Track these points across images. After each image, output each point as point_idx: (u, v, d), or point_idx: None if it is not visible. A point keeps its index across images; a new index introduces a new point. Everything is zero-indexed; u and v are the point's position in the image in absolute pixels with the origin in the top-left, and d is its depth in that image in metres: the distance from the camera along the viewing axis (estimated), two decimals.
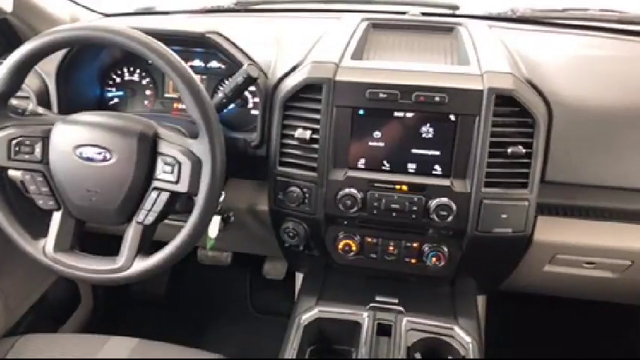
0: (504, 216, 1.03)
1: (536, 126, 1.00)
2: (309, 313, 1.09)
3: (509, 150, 1.00)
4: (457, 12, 1.45)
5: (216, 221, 1.13)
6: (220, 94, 1.06)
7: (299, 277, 1.41)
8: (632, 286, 1.22)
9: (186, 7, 1.53)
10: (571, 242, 1.12)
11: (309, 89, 1.05)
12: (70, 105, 1.21)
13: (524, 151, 1.00)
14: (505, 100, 1.00)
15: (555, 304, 1.73)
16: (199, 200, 0.91)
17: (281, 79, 1.11)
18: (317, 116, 1.05)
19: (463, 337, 1.04)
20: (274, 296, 1.91)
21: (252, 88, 1.15)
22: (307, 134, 1.04)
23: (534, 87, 1.06)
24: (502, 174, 1.02)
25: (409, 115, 1.03)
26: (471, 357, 1.01)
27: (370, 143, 1.05)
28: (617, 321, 1.72)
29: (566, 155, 1.05)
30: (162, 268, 0.95)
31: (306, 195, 1.08)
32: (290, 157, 1.08)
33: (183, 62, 0.90)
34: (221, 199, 1.07)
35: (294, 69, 1.11)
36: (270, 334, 1.35)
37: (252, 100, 1.23)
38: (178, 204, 1.00)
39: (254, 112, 1.23)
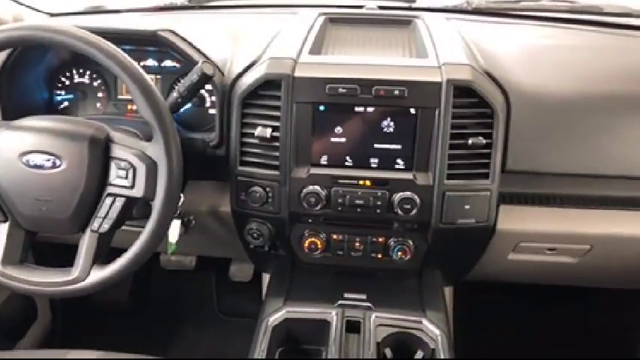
0: (467, 207, 1.04)
1: (495, 116, 1.01)
2: (277, 315, 1.07)
3: (469, 141, 1.00)
4: (414, 5, 1.45)
5: (176, 226, 1.10)
6: (175, 94, 1.02)
7: (266, 278, 1.38)
8: (591, 269, 1.25)
9: (138, 5, 1.48)
10: (533, 230, 1.14)
11: (268, 86, 1.03)
12: (15, 110, 1.14)
13: (484, 141, 1.00)
14: (464, 92, 1.00)
15: (520, 291, 1.77)
16: (156, 205, 0.88)
17: (238, 77, 1.08)
18: (277, 113, 1.02)
19: (432, 329, 1.04)
20: (242, 298, 1.87)
21: (208, 86, 1.12)
22: (267, 132, 1.02)
23: (492, 77, 1.06)
24: (463, 165, 1.02)
25: (370, 109, 1.02)
26: (440, 349, 1.01)
27: (332, 139, 1.04)
28: (578, 304, 1.77)
29: (525, 144, 1.06)
30: (121, 277, 0.91)
31: (269, 194, 1.06)
32: (251, 156, 1.06)
33: (133, 62, 0.86)
34: (180, 202, 1.04)
35: (251, 66, 1.09)
36: (238, 337, 1.32)
37: (209, 99, 1.20)
38: (135, 210, 0.96)
39: (212, 111, 1.20)
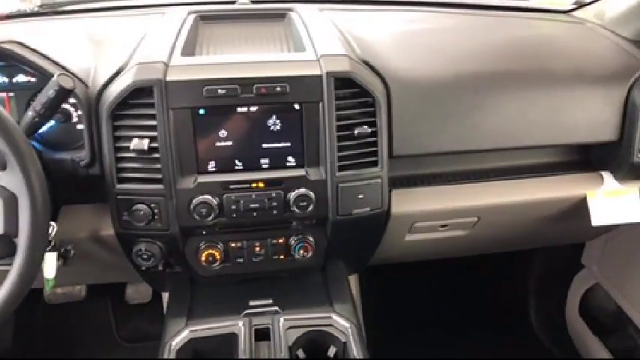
0: (361, 196, 1.05)
1: (377, 104, 1.02)
2: (180, 336, 1.00)
3: (355, 131, 1.00)
4: None
5: (51, 259, 0.97)
6: (30, 112, 0.91)
7: (166, 297, 1.30)
8: (480, 239, 1.33)
9: None
10: (425, 210, 1.17)
11: (139, 94, 0.95)
12: None
13: (369, 130, 1.01)
14: (344, 83, 1.00)
15: (419, 267, 1.85)
16: (21, 241, 0.77)
17: (104, 87, 0.99)
18: (152, 122, 0.95)
19: (341, 323, 1.04)
20: (143, 321, 1.76)
21: (72, 99, 1.01)
22: (145, 144, 0.94)
23: (370, 66, 1.08)
24: (353, 156, 1.02)
25: (253, 108, 0.98)
26: (351, 341, 1.01)
27: (217, 143, 0.99)
28: (472, 273, 1.88)
29: (408, 129, 1.08)
30: None
31: (155, 210, 0.98)
32: (129, 171, 0.97)
33: None
34: (52, 232, 0.93)
35: (117, 74, 1.00)
36: None
37: (75, 114, 1.08)
38: None
39: (80, 126, 1.08)
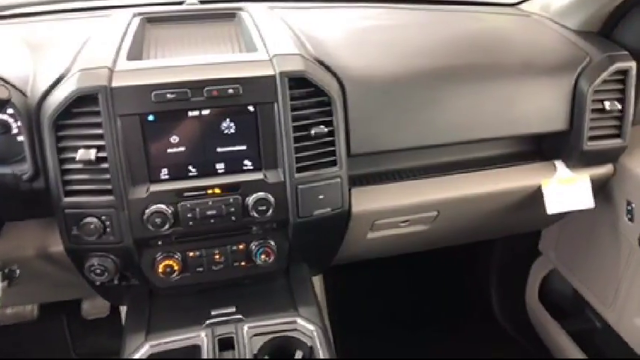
0: (321, 197, 1.03)
1: (333, 103, 1.01)
2: (140, 352, 0.96)
3: (312, 131, 0.99)
4: None
5: None
6: None
7: (124, 311, 1.25)
8: (440, 232, 1.34)
9: None
10: (385, 207, 1.17)
11: (83, 102, 0.90)
12: None
13: (326, 130, 1.00)
14: (299, 83, 0.98)
15: (382, 264, 1.86)
16: None
17: (45, 95, 0.94)
18: (99, 131, 0.90)
19: (307, 326, 1.02)
20: (102, 336, 1.68)
21: (10, 110, 0.95)
22: (92, 154, 0.90)
23: (324, 65, 1.06)
24: (311, 156, 1.01)
25: (205, 112, 0.95)
26: (317, 344, 1.00)
27: (169, 150, 0.95)
28: (435, 265, 1.91)
29: (365, 127, 1.08)
30: None
31: (107, 223, 0.94)
32: (76, 183, 0.92)
33: None
34: None
35: (59, 81, 0.94)
36: None
37: (15, 125, 1.02)
38: None
39: (20, 138, 1.02)
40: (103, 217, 0.93)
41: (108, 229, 0.94)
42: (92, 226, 0.93)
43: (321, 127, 1.00)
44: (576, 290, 1.54)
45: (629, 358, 1.33)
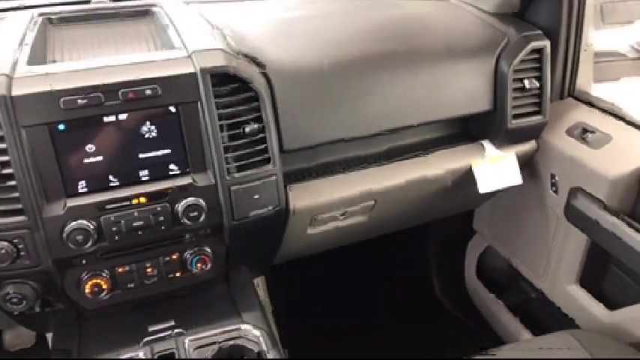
0: (256, 197, 1.00)
1: (261, 99, 0.97)
2: None
3: (246, 129, 0.95)
4: None
5: None
6: None
7: (50, 338, 1.15)
8: (378, 220, 1.33)
9: None
10: (323, 201, 1.15)
11: None
12: None
13: (256, 126, 0.96)
14: (222, 79, 0.93)
15: (325, 257, 1.84)
16: None
17: None
18: (2, 145, 0.82)
19: (252, 332, 0.99)
20: None
21: None
22: None
23: (248, 59, 1.02)
24: (242, 156, 0.97)
25: (122, 116, 0.88)
26: (265, 349, 0.96)
27: (86, 160, 0.88)
28: (376, 252, 1.92)
29: (295, 121, 1.05)
30: None
31: (20, 246, 0.85)
32: None
33: None
34: None
35: None
36: None
37: None
38: None
39: None
40: (15, 240, 0.85)
41: (22, 253, 0.86)
42: (3, 251, 0.84)
43: (252, 124, 0.96)
44: (511, 264, 1.60)
45: (565, 324, 1.40)
